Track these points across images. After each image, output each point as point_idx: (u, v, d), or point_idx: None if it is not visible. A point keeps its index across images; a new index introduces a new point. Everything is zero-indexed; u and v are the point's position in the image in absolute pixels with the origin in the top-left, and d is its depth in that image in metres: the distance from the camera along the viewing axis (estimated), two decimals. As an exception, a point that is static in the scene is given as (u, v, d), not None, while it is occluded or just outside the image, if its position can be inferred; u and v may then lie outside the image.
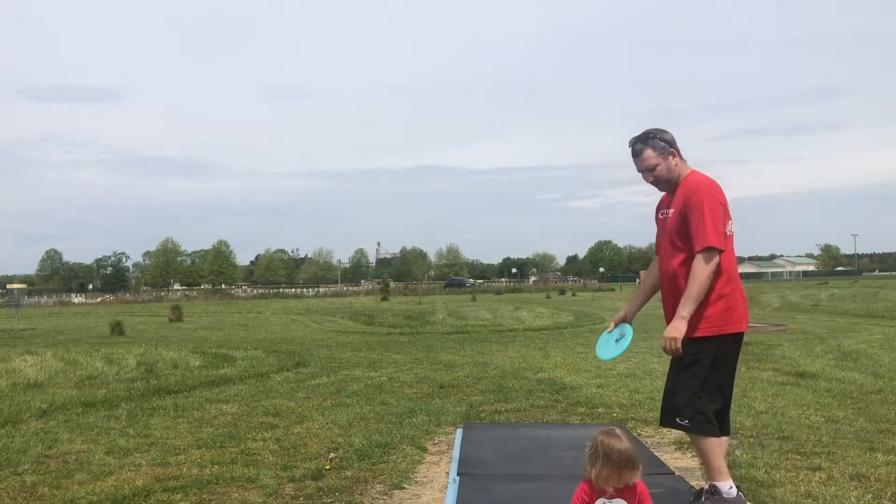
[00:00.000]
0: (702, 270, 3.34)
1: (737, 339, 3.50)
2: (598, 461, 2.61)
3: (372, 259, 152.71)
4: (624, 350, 3.72)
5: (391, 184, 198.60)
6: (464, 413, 6.36)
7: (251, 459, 4.85)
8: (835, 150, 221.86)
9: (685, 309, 3.36)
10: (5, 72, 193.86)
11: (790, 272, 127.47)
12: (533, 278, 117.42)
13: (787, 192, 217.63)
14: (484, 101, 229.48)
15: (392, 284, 65.54)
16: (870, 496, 3.81)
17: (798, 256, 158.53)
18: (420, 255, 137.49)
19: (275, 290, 76.70)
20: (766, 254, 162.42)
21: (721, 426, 3.47)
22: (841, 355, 9.79)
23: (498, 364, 9.82)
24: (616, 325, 3.82)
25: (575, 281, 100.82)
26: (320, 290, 76.05)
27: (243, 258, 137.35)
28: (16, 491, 4.22)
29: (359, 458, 4.82)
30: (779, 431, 5.31)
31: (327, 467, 4.61)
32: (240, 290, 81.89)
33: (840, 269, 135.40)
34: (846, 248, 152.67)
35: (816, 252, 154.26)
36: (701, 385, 3.40)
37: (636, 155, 3.60)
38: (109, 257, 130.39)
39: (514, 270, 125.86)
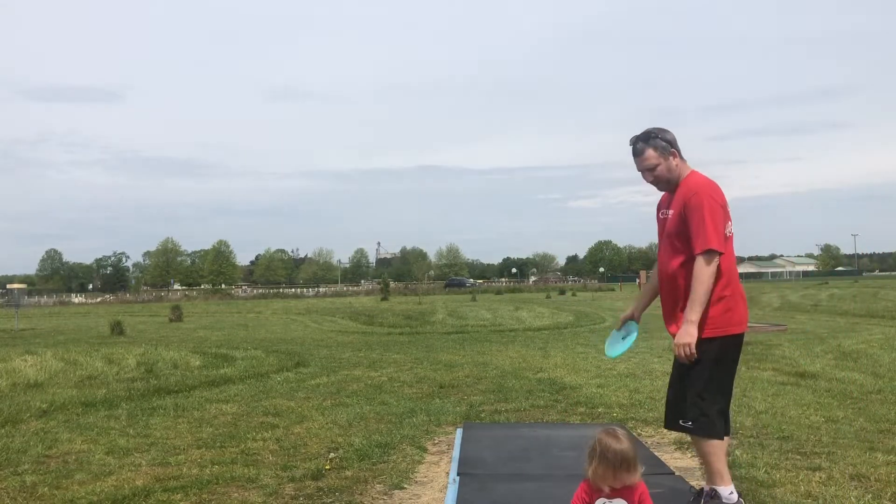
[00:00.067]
0: (704, 273, 3.33)
1: (737, 340, 3.50)
2: (595, 459, 2.63)
3: (372, 259, 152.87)
4: (629, 347, 3.79)
5: (391, 184, 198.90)
6: (464, 413, 6.36)
7: (251, 459, 4.85)
8: (834, 150, 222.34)
9: (693, 313, 3.34)
10: (5, 72, 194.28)
11: (790, 272, 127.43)
12: (533, 278, 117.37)
13: (786, 192, 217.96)
14: (484, 101, 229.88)
15: (392, 284, 65.52)
16: (870, 496, 3.81)
17: (798, 256, 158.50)
18: (420, 255, 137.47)
19: (275, 290, 76.69)
20: (766, 254, 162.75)
21: (722, 426, 3.47)
22: (841, 355, 9.79)
23: (498, 364, 9.82)
24: (623, 324, 3.87)
25: (575, 281, 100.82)
26: (320, 290, 76.05)
27: (243, 258, 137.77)
28: (16, 491, 4.22)
29: (359, 458, 4.82)
30: (779, 431, 5.31)
31: (327, 467, 4.61)
32: (240, 290, 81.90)
33: (840, 269, 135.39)
34: (846, 248, 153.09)
35: (816, 252, 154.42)
36: (703, 386, 3.40)
37: (637, 154, 3.59)
38: (109, 257, 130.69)
39: (514, 270, 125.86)
